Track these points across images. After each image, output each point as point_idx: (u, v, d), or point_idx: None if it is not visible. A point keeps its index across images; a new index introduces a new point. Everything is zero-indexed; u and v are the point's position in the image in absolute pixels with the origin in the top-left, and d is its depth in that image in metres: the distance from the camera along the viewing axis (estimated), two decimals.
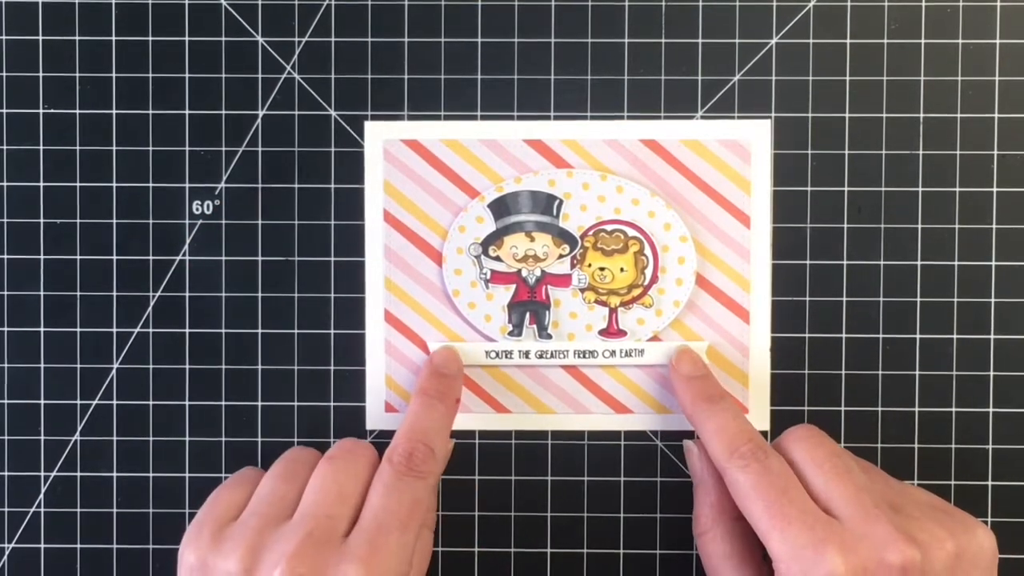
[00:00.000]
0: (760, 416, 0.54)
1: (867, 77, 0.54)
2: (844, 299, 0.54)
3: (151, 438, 0.54)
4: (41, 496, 0.54)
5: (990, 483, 0.54)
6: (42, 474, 0.54)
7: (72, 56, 0.54)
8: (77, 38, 0.54)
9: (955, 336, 0.54)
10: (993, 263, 0.54)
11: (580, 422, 0.54)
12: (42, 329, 0.54)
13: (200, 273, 0.54)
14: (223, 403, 0.54)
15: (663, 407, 0.54)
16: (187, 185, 0.54)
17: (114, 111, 0.54)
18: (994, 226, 0.54)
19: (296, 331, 0.54)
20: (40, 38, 0.54)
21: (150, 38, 0.54)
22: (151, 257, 0.54)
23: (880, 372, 0.54)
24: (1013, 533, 0.54)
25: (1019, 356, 0.54)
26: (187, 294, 0.54)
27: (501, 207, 0.53)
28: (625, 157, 0.53)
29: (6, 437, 0.54)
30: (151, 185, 0.54)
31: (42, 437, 0.54)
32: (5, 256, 0.54)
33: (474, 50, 0.54)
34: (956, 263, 0.54)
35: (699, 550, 0.50)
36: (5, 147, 0.54)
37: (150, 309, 0.54)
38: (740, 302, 0.54)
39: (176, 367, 0.54)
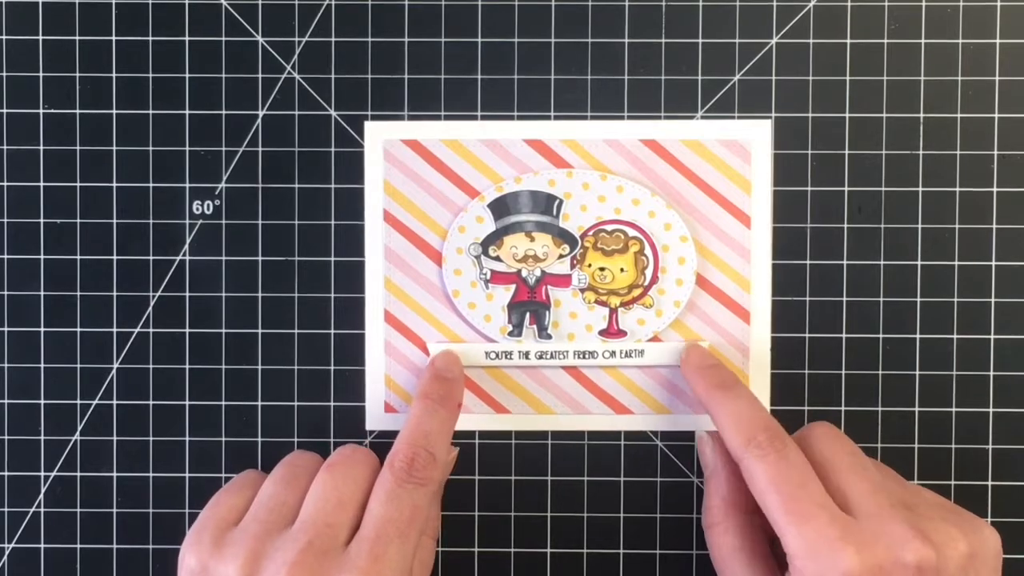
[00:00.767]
0: None
1: (867, 77, 0.54)
2: (844, 299, 0.54)
3: (151, 438, 0.54)
4: (41, 496, 0.54)
5: (990, 483, 0.54)
6: (42, 474, 0.54)
7: (72, 56, 0.54)
8: (77, 38, 0.54)
9: (955, 336, 0.54)
10: (993, 263, 0.54)
11: (580, 422, 0.54)
12: (42, 329, 0.54)
13: (200, 273, 0.54)
14: (223, 403, 0.54)
15: (663, 407, 0.54)
16: (187, 185, 0.54)
17: (114, 111, 0.54)
18: (994, 226, 0.54)
19: (296, 331, 0.54)
20: (40, 38, 0.54)
21: (150, 38, 0.54)
22: (151, 257, 0.54)
23: (880, 372, 0.54)
24: (1013, 533, 0.54)
25: (1019, 356, 0.54)
26: (187, 294, 0.54)
27: (501, 207, 0.53)
28: (625, 157, 0.53)
29: (6, 437, 0.54)
30: (151, 185, 0.54)
31: (42, 437, 0.54)
32: (5, 256, 0.54)
33: (474, 50, 0.54)
34: (956, 263, 0.54)
35: (708, 542, 0.50)
36: (5, 147, 0.54)
37: (150, 309, 0.54)
38: (740, 302, 0.54)
39: (176, 367, 0.54)
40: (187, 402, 0.54)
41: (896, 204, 0.54)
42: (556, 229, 0.53)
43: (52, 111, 0.54)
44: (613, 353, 0.53)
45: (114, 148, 0.54)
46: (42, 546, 0.54)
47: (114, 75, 0.54)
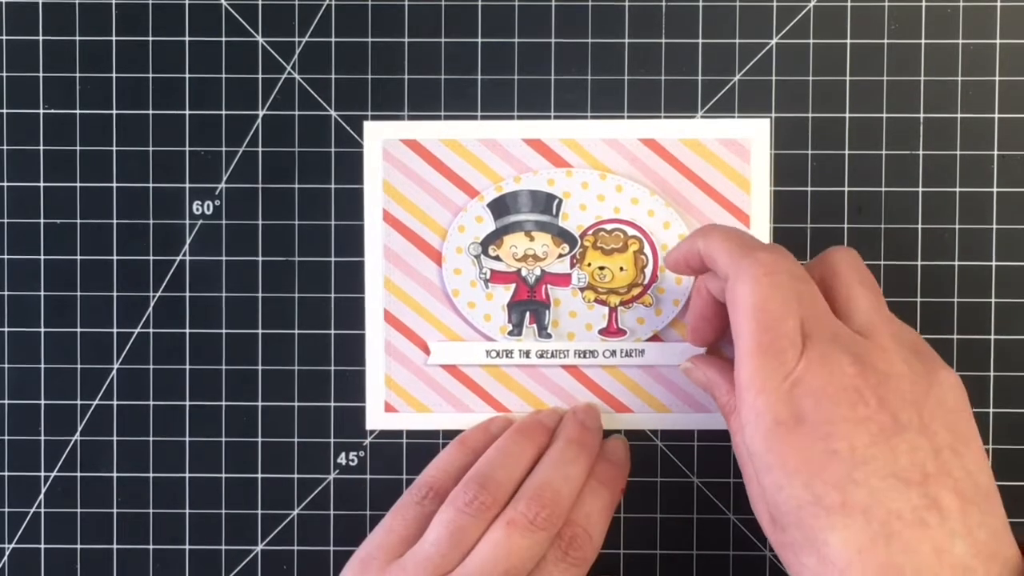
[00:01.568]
0: None
1: (867, 77, 0.54)
2: None
3: (151, 438, 0.54)
4: (41, 496, 0.54)
5: None
6: (42, 474, 0.54)
7: (72, 56, 0.54)
8: (77, 38, 0.54)
9: (955, 336, 0.54)
10: (993, 263, 0.53)
11: None
12: (42, 329, 0.54)
13: (200, 273, 0.54)
14: (223, 403, 0.54)
15: (663, 406, 0.54)
16: (187, 185, 0.54)
17: (114, 111, 0.54)
18: (994, 226, 0.54)
19: (296, 331, 0.54)
20: (40, 38, 0.54)
21: (150, 38, 0.54)
22: (151, 257, 0.54)
23: None
24: (1013, 533, 0.53)
25: (1019, 356, 0.54)
26: (187, 294, 0.54)
27: (500, 206, 0.53)
28: (625, 156, 0.53)
29: (6, 437, 0.54)
30: (151, 185, 0.54)
31: (42, 437, 0.54)
32: (5, 256, 0.54)
33: (474, 50, 0.54)
34: (956, 263, 0.54)
35: (729, 428, 0.48)
36: (5, 147, 0.54)
37: (150, 309, 0.54)
38: None
39: (176, 367, 0.54)
40: (187, 402, 0.54)
41: (896, 204, 0.54)
42: (556, 228, 0.53)
43: (52, 111, 0.54)
44: (613, 352, 0.53)
45: (114, 148, 0.54)
46: (42, 546, 0.54)
47: (114, 75, 0.54)
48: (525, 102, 0.54)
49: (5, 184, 0.54)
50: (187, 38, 0.54)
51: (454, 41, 0.54)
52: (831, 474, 0.40)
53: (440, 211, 0.54)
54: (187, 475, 0.54)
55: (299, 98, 0.54)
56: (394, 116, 0.54)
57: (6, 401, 0.54)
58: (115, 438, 0.54)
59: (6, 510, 0.54)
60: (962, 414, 0.43)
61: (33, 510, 0.54)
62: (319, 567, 0.54)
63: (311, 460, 0.54)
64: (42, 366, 0.54)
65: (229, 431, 0.54)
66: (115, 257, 0.54)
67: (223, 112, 0.54)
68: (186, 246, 0.54)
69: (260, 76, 0.54)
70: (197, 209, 0.54)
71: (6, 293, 0.54)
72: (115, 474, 0.54)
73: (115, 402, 0.54)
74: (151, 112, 0.54)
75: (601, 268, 0.53)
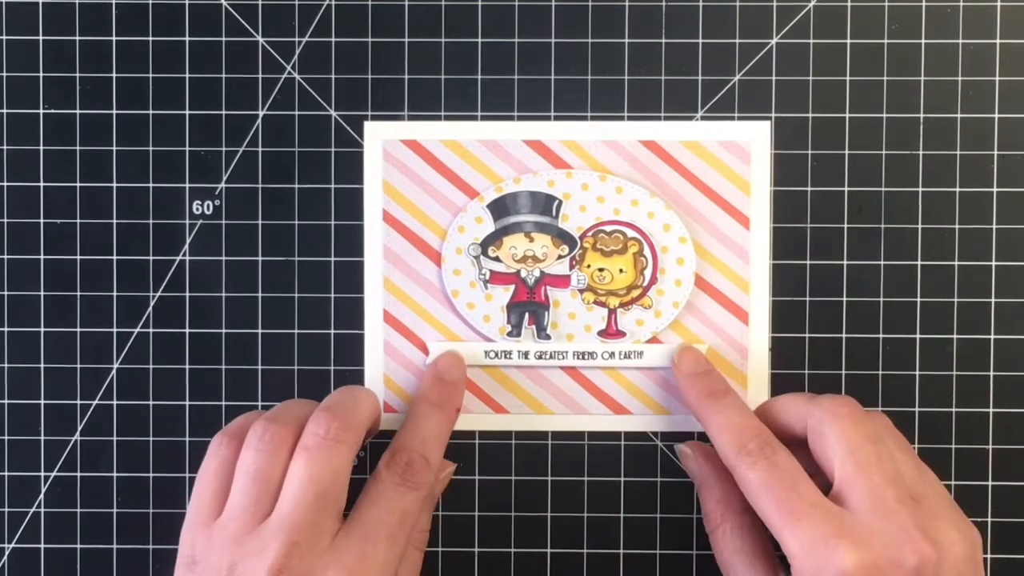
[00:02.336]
0: None
1: (867, 77, 0.54)
2: (844, 299, 0.54)
3: (151, 438, 0.54)
4: (41, 496, 0.54)
5: (990, 483, 0.54)
6: (42, 474, 0.54)
7: (72, 56, 0.54)
8: (77, 38, 0.54)
9: (955, 336, 0.54)
10: (993, 263, 0.53)
11: (579, 423, 0.54)
12: (42, 329, 0.54)
13: (200, 273, 0.54)
14: (223, 403, 0.54)
15: (662, 408, 0.54)
16: (187, 185, 0.54)
17: (114, 111, 0.54)
18: (994, 226, 0.53)
19: (296, 331, 0.54)
20: (40, 38, 0.54)
21: (150, 38, 0.54)
22: (151, 257, 0.54)
23: (880, 372, 0.54)
24: (1013, 533, 0.54)
25: (1019, 356, 0.54)
26: (187, 294, 0.54)
27: (500, 207, 0.53)
28: (624, 158, 0.53)
29: (6, 437, 0.54)
30: (151, 185, 0.54)
31: (42, 437, 0.54)
32: (5, 256, 0.54)
33: (474, 50, 0.54)
34: (956, 263, 0.54)
35: (712, 546, 0.50)
36: (5, 147, 0.54)
37: (150, 309, 0.54)
38: (739, 303, 0.54)
39: (176, 367, 0.54)
40: (187, 402, 0.54)
41: (896, 204, 0.54)
42: (555, 230, 0.53)
43: (52, 111, 0.54)
44: (612, 354, 0.53)
45: (114, 148, 0.54)
46: (42, 546, 0.54)
47: (114, 75, 0.54)
48: (525, 102, 0.54)
49: (5, 184, 0.54)
50: (187, 38, 0.54)
51: (454, 41, 0.54)
52: None
53: (440, 211, 0.54)
54: (187, 475, 0.54)
55: (299, 98, 0.54)
56: (394, 116, 0.54)
57: (6, 401, 0.54)
58: (115, 438, 0.54)
59: (6, 510, 0.54)
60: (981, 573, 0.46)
61: (33, 510, 0.54)
62: None
63: None
64: (42, 366, 0.54)
65: None
66: (115, 257, 0.54)
67: (223, 112, 0.54)
68: (186, 246, 0.54)
69: (260, 76, 0.54)
70: (197, 209, 0.54)
71: (6, 293, 0.54)
72: (115, 474, 0.54)
73: (115, 402, 0.54)
74: (151, 112, 0.54)
75: (600, 270, 0.53)
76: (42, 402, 0.54)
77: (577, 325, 0.54)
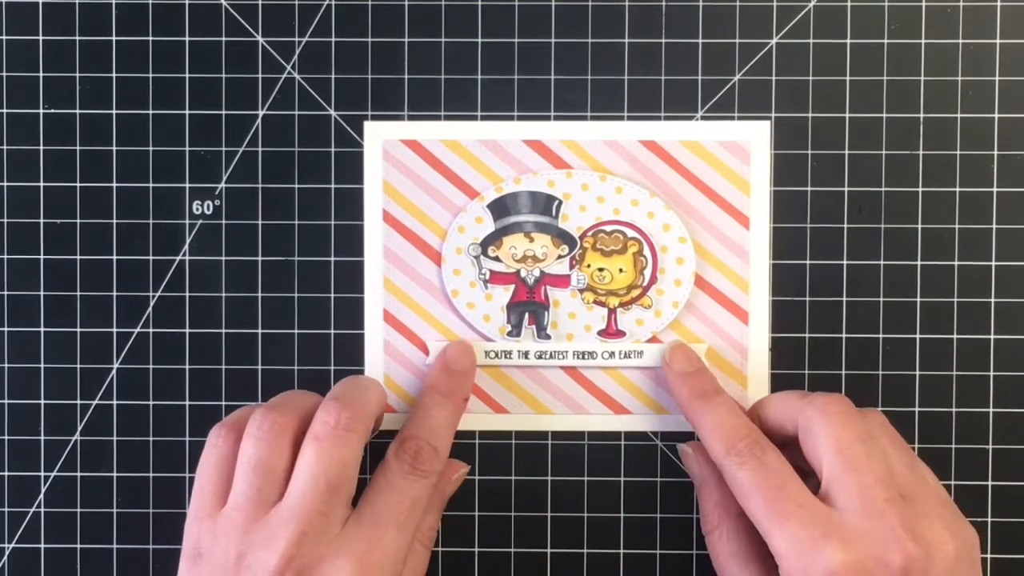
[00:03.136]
0: None
1: (867, 77, 0.54)
2: (844, 299, 0.54)
3: (151, 438, 0.54)
4: (41, 496, 0.54)
5: (990, 483, 0.54)
6: (42, 474, 0.54)
7: (72, 56, 0.54)
8: (77, 38, 0.54)
9: (955, 336, 0.54)
10: (993, 263, 0.53)
11: (579, 422, 0.54)
12: (42, 329, 0.54)
13: (200, 273, 0.54)
14: (223, 403, 0.54)
15: (662, 408, 0.54)
16: (187, 185, 0.54)
17: (114, 111, 0.54)
18: (994, 226, 0.53)
19: (296, 331, 0.54)
20: (40, 38, 0.54)
21: (150, 38, 0.54)
22: (151, 257, 0.54)
23: (880, 372, 0.54)
24: (1013, 533, 0.54)
25: (1019, 356, 0.54)
26: (187, 294, 0.54)
27: (500, 207, 0.53)
28: (624, 158, 0.53)
29: (6, 437, 0.54)
30: (151, 185, 0.54)
31: (42, 437, 0.54)
32: (5, 256, 0.54)
33: (474, 50, 0.54)
34: (956, 263, 0.54)
35: (708, 548, 0.50)
36: (5, 147, 0.54)
37: (150, 309, 0.54)
38: (739, 303, 0.54)
39: (176, 367, 0.54)
40: (187, 402, 0.54)
41: (896, 204, 0.54)
42: (555, 229, 0.53)
43: (52, 111, 0.54)
44: (612, 354, 0.53)
45: (114, 148, 0.54)
46: (42, 546, 0.54)
47: (114, 75, 0.54)
48: (525, 102, 0.54)
49: (5, 184, 0.54)
50: (187, 38, 0.54)
51: (454, 41, 0.54)
52: None
53: (440, 211, 0.54)
54: (187, 475, 0.54)
55: (299, 98, 0.54)
56: (394, 116, 0.54)
57: (6, 401, 0.54)
58: (115, 438, 0.54)
59: (6, 510, 0.54)
60: (979, 573, 0.46)
61: (33, 510, 0.54)
62: None
63: None
64: (42, 366, 0.54)
65: None
66: (115, 257, 0.54)
67: (223, 112, 0.54)
68: (186, 246, 0.54)
69: (260, 76, 0.54)
70: (197, 209, 0.54)
71: (6, 293, 0.54)
72: (115, 474, 0.54)
73: (115, 402, 0.54)
74: (151, 112, 0.54)
75: (600, 270, 0.53)
76: (42, 402, 0.54)
77: (577, 325, 0.54)
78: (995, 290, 0.54)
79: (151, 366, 0.54)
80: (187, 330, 0.54)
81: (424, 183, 0.54)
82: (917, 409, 0.54)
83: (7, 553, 0.54)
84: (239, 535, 0.45)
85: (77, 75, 0.54)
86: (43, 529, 0.54)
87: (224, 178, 0.54)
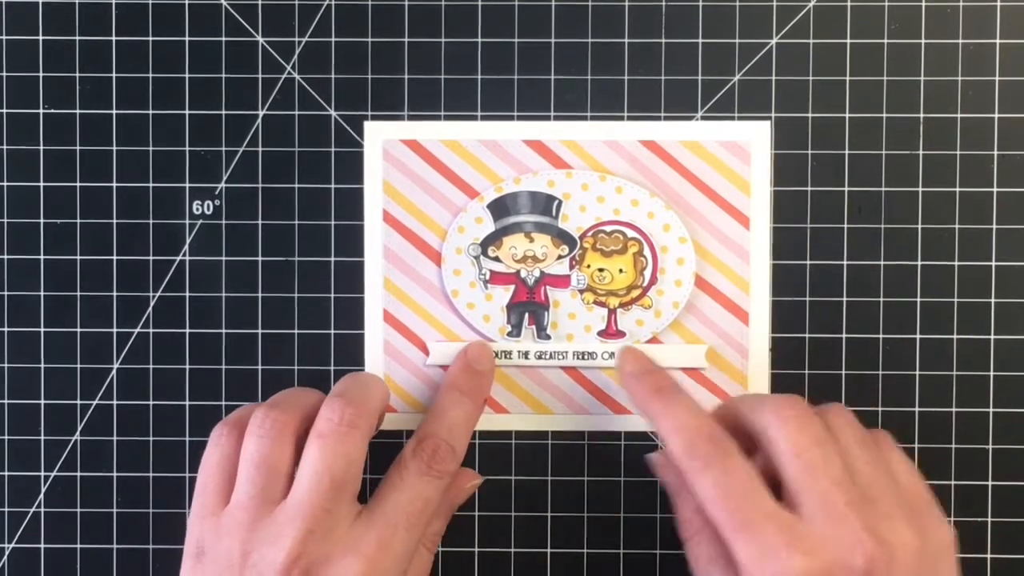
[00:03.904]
0: None
1: (867, 77, 0.54)
2: (844, 299, 0.54)
3: (151, 438, 0.54)
4: (41, 496, 0.54)
5: (990, 483, 0.54)
6: (42, 474, 0.54)
7: (72, 56, 0.54)
8: (77, 38, 0.54)
9: (955, 336, 0.54)
10: (993, 263, 0.53)
11: (579, 422, 0.54)
12: (42, 329, 0.54)
13: (200, 273, 0.54)
14: (223, 403, 0.54)
15: None
16: (187, 185, 0.54)
17: (114, 111, 0.54)
18: (994, 226, 0.53)
19: (296, 331, 0.54)
20: (40, 38, 0.54)
21: (150, 38, 0.54)
22: (151, 257, 0.54)
23: (880, 372, 0.54)
24: (1013, 533, 0.54)
25: (1019, 356, 0.54)
26: (187, 294, 0.54)
27: (500, 207, 0.53)
28: (624, 158, 0.53)
29: (6, 437, 0.54)
30: (151, 185, 0.54)
31: (42, 437, 0.54)
32: (5, 256, 0.54)
33: (474, 50, 0.54)
34: (956, 263, 0.54)
35: (687, 554, 0.49)
36: (5, 147, 0.54)
37: (150, 309, 0.54)
38: (739, 303, 0.54)
39: (176, 367, 0.54)
40: (187, 402, 0.54)
41: (896, 204, 0.54)
42: (555, 230, 0.53)
43: (52, 111, 0.54)
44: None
45: (114, 148, 0.54)
46: (42, 546, 0.54)
47: (114, 75, 0.54)
48: (525, 102, 0.54)
49: (5, 184, 0.54)
50: (187, 38, 0.54)
51: (454, 41, 0.54)
52: None
53: (440, 212, 0.54)
54: (187, 475, 0.54)
55: (299, 98, 0.54)
56: (394, 116, 0.54)
57: (6, 401, 0.54)
58: (115, 438, 0.54)
59: (6, 510, 0.54)
60: (953, 573, 0.46)
61: (33, 510, 0.54)
62: None
63: None
64: (42, 366, 0.54)
65: None
66: (115, 257, 0.54)
67: (223, 112, 0.54)
68: (186, 246, 0.54)
69: (260, 76, 0.54)
70: (197, 209, 0.54)
71: (6, 293, 0.54)
72: (115, 474, 0.54)
73: (115, 402, 0.54)
74: (151, 112, 0.54)
75: (600, 270, 0.53)
76: (42, 402, 0.54)
77: (577, 325, 0.54)
78: (995, 290, 0.54)
79: (151, 366, 0.54)
80: (187, 330, 0.54)
81: (424, 183, 0.54)
82: (917, 409, 0.54)
83: (7, 553, 0.54)
84: (244, 533, 0.45)
85: (77, 75, 0.54)
86: (43, 529, 0.54)
87: (224, 178, 0.54)
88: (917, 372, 0.54)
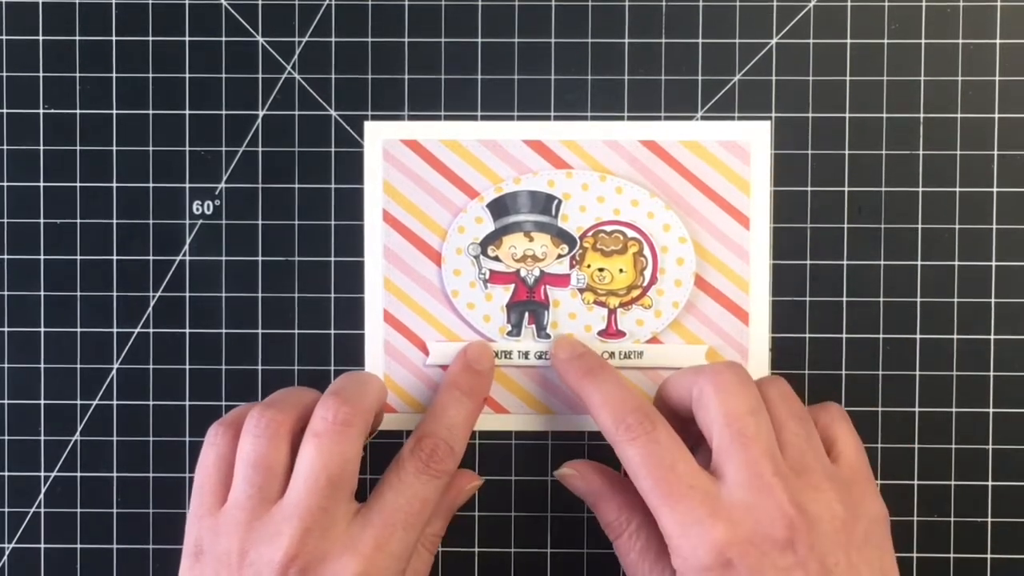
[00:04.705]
0: None
1: (867, 77, 0.54)
2: (844, 299, 0.54)
3: (151, 438, 0.54)
4: (41, 496, 0.54)
5: (990, 483, 0.54)
6: (42, 474, 0.54)
7: (72, 56, 0.54)
8: (77, 38, 0.54)
9: (955, 336, 0.54)
10: (993, 263, 0.53)
11: (580, 422, 0.54)
12: (42, 329, 0.54)
13: (200, 273, 0.54)
14: (223, 403, 0.54)
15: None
16: (187, 185, 0.54)
17: (114, 111, 0.54)
18: (994, 226, 0.53)
19: (296, 331, 0.54)
20: (40, 38, 0.54)
21: (150, 38, 0.54)
22: (151, 257, 0.54)
23: (880, 372, 0.54)
24: (1013, 533, 0.54)
25: (1019, 356, 0.54)
26: (187, 294, 0.54)
27: (500, 207, 0.53)
28: (624, 158, 0.53)
29: (6, 437, 0.54)
30: (151, 185, 0.54)
31: (42, 437, 0.54)
32: (5, 256, 0.54)
33: (474, 50, 0.54)
34: (956, 263, 0.54)
35: (618, 552, 0.50)
36: (5, 147, 0.54)
37: (150, 309, 0.54)
38: (739, 303, 0.54)
39: (176, 367, 0.54)
40: (187, 402, 0.54)
41: (896, 204, 0.54)
42: (555, 229, 0.53)
43: (52, 111, 0.54)
44: (612, 354, 0.53)
45: (114, 148, 0.54)
46: (42, 546, 0.54)
47: (114, 75, 0.54)
48: (525, 102, 0.54)
49: (5, 184, 0.54)
50: (187, 38, 0.54)
51: (454, 41, 0.54)
52: None
53: (440, 211, 0.54)
54: (187, 475, 0.54)
55: (299, 98, 0.54)
56: (394, 116, 0.54)
57: (6, 401, 0.54)
58: (115, 438, 0.54)
59: (6, 510, 0.54)
60: (886, 549, 0.46)
61: (33, 510, 0.54)
62: None
63: None
64: (42, 366, 0.54)
65: None
66: (115, 257, 0.54)
67: (223, 112, 0.54)
68: (186, 246, 0.54)
69: (260, 76, 0.54)
70: (197, 209, 0.54)
71: (6, 293, 0.54)
72: (115, 474, 0.54)
73: (115, 402, 0.54)
74: (151, 112, 0.54)
75: (600, 270, 0.53)
76: (42, 402, 0.54)
77: (577, 325, 0.54)
78: (995, 290, 0.54)
79: (151, 366, 0.54)
80: (187, 330, 0.54)
81: (424, 183, 0.54)
82: (917, 409, 0.54)
83: (7, 553, 0.54)
84: (242, 532, 0.45)
85: (77, 75, 0.54)
86: (43, 529, 0.54)
87: (224, 178, 0.54)
88: (917, 372, 0.54)
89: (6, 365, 0.54)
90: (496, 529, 0.54)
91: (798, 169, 0.54)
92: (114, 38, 0.54)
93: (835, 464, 0.47)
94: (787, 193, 0.54)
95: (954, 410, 0.54)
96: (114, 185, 0.54)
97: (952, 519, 0.54)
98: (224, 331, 0.54)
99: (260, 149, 0.54)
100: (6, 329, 0.54)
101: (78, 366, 0.54)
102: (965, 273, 0.54)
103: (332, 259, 0.54)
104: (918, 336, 0.54)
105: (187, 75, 0.54)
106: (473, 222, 0.53)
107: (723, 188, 0.53)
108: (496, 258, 0.54)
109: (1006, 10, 0.53)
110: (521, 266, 0.54)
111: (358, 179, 0.54)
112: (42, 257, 0.54)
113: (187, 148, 0.54)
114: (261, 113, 0.54)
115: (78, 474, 0.54)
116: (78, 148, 0.54)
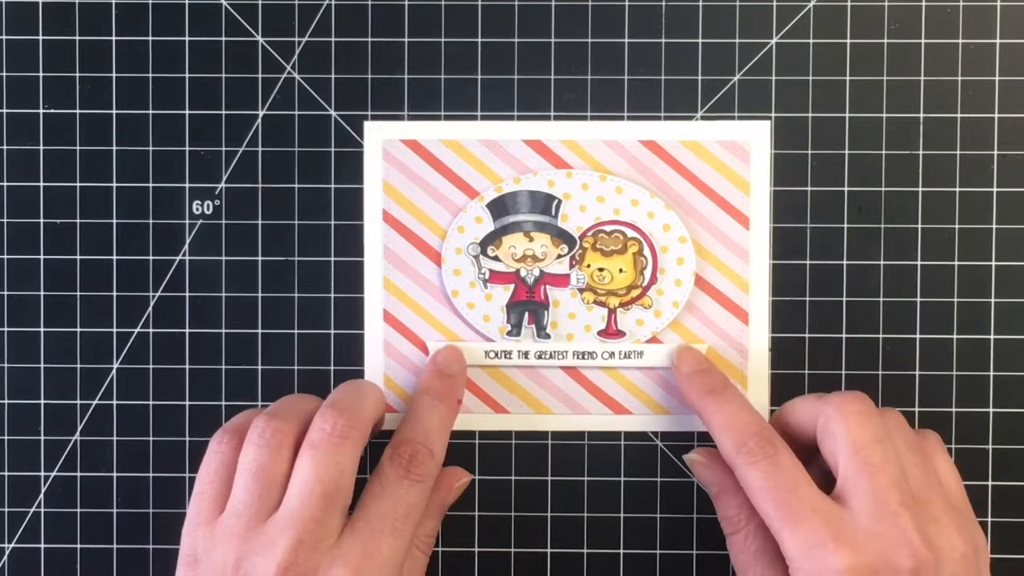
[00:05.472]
0: None
1: (867, 77, 0.54)
2: (844, 299, 0.54)
3: (151, 438, 0.54)
4: (41, 496, 0.54)
5: (990, 483, 0.54)
6: (42, 474, 0.54)
7: (72, 56, 0.54)
8: (77, 38, 0.54)
9: (955, 336, 0.54)
10: (993, 263, 0.53)
11: (579, 422, 0.54)
12: (42, 329, 0.54)
13: (200, 273, 0.54)
14: (223, 403, 0.54)
15: (662, 408, 0.54)
16: (187, 185, 0.54)
17: (114, 111, 0.54)
18: (994, 226, 0.53)
19: (296, 331, 0.54)
20: (40, 38, 0.54)
21: (150, 38, 0.54)
22: (151, 257, 0.54)
23: (880, 372, 0.54)
24: (1013, 533, 0.54)
25: (1019, 356, 0.54)
26: (187, 294, 0.54)
27: (500, 207, 0.53)
28: (624, 158, 0.53)
29: (6, 437, 0.54)
30: (151, 185, 0.54)
31: (42, 437, 0.54)
32: (5, 256, 0.54)
33: (474, 50, 0.54)
34: (956, 263, 0.54)
35: (731, 548, 0.50)
36: (5, 147, 0.54)
37: (150, 309, 0.54)
38: (739, 303, 0.54)
39: (176, 367, 0.54)
40: (187, 402, 0.54)
41: (896, 204, 0.54)
42: (555, 229, 0.53)
43: (52, 111, 0.54)
44: (612, 354, 0.53)
45: (114, 148, 0.54)
46: (42, 546, 0.54)
47: (114, 75, 0.54)
48: (525, 102, 0.54)
49: (5, 184, 0.54)
50: (187, 38, 0.54)
51: (454, 41, 0.54)
52: None
53: (440, 211, 0.54)
54: (187, 475, 0.54)
55: (299, 98, 0.54)
56: (394, 116, 0.54)
57: (6, 401, 0.54)
58: (115, 438, 0.54)
59: (6, 510, 0.54)
60: None
61: (33, 510, 0.54)
62: None
63: None
64: (42, 366, 0.54)
65: None
66: (115, 257, 0.54)
67: (223, 112, 0.54)
68: (186, 246, 0.54)
69: (260, 76, 0.54)
70: (197, 209, 0.54)
71: (6, 293, 0.54)
72: (115, 474, 0.54)
73: (115, 402, 0.54)
74: (151, 112, 0.54)
75: (600, 269, 0.53)
76: (42, 402, 0.54)
77: (577, 325, 0.54)
78: (995, 290, 0.54)
79: (151, 366, 0.54)
80: (187, 330, 0.54)
81: (424, 183, 0.54)
82: (917, 409, 0.54)
83: (7, 553, 0.54)
84: (237, 542, 0.46)
85: (77, 75, 0.54)
86: (43, 529, 0.54)
87: (224, 178, 0.54)
88: (917, 372, 0.54)
89: (6, 365, 0.54)
90: (496, 529, 0.54)
91: (798, 169, 0.54)
92: (114, 38, 0.54)
93: None
94: (787, 193, 0.54)
95: (954, 410, 0.54)
96: (114, 185, 0.54)
97: None
98: (224, 331, 0.54)
99: (260, 149, 0.54)
100: (6, 329, 0.54)
101: (78, 366, 0.54)
102: (965, 273, 0.54)
103: (332, 259, 0.54)
104: (918, 336, 0.54)
105: (187, 75, 0.54)
106: (473, 222, 0.53)
107: (723, 188, 0.53)
108: (496, 258, 0.53)
109: (1006, 10, 0.53)
110: (521, 266, 0.54)
111: (358, 179, 0.54)
112: (42, 257, 0.54)
113: (187, 148, 0.54)
114: (261, 113, 0.54)
115: (78, 474, 0.54)
116: (78, 148, 0.54)
